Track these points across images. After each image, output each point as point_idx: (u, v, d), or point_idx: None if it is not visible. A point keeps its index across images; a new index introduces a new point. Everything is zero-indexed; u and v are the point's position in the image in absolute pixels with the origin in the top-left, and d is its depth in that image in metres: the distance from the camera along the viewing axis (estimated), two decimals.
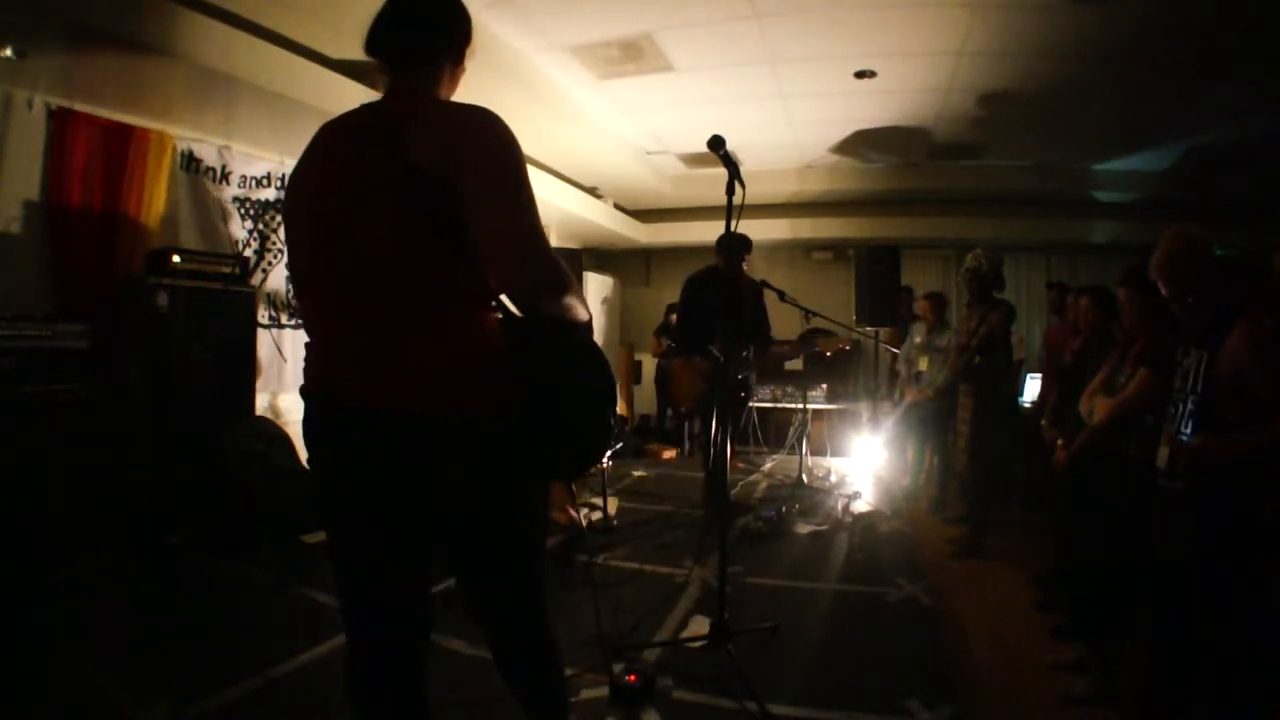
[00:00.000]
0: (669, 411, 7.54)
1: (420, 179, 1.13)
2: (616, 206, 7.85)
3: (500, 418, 1.19)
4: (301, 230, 1.30)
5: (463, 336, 1.21)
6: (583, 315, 1.27)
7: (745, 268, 4.16)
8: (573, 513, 3.58)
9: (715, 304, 3.72)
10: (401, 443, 1.18)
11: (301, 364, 1.29)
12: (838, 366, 6.97)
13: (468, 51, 1.36)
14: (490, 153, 1.17)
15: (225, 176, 4.25)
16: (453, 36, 1.33)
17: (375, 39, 1.30)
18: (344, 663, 1.31)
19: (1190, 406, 1.87)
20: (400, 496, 1.21)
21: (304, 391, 1.29)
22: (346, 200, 1.19)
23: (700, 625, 2.65)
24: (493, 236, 1.16)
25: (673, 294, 5.37)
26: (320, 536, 3.55)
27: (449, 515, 1.25)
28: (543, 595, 1.40)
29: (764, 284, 4.25)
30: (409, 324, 1.18)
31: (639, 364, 8.32)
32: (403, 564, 1.29)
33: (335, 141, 1.27)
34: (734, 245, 4.02)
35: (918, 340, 4.92)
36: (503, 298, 1.26)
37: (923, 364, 4.75)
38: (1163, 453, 1.92)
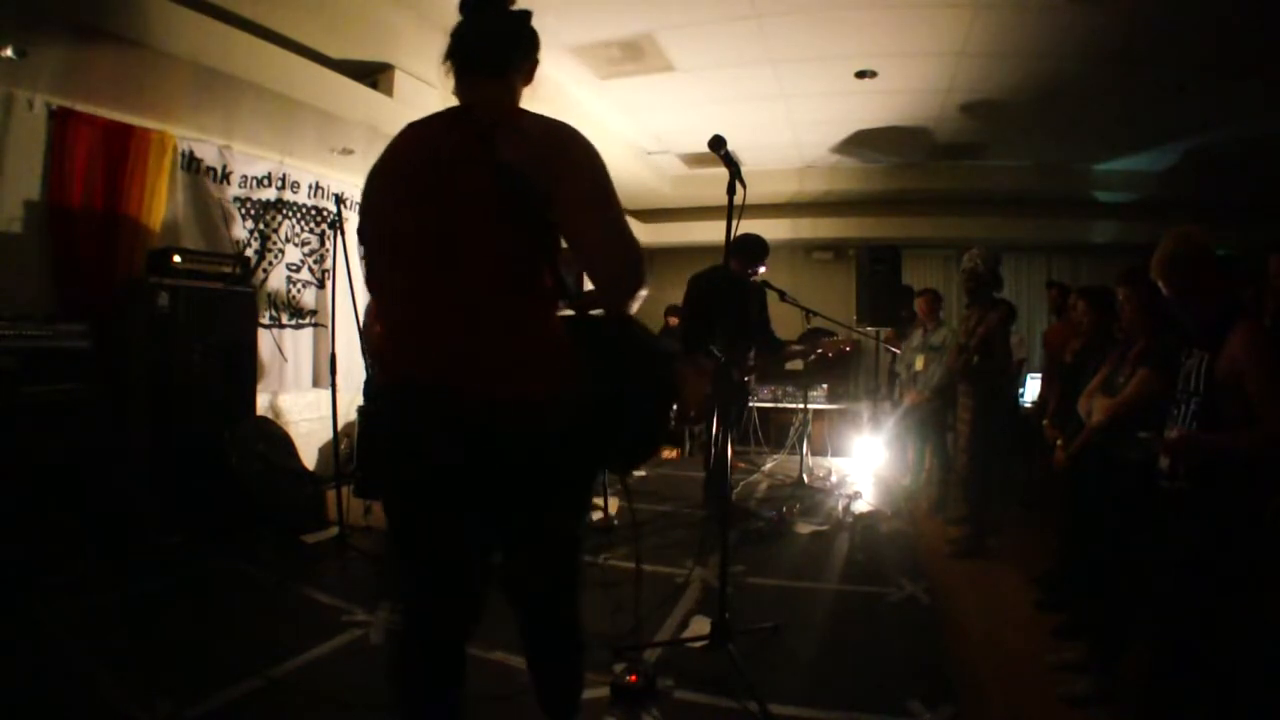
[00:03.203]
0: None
1: (512, 178, 1.21)
2: None
3: (569, 405, 1.29)
4: (387, 220, 1.36)
5: (543, 330, 1.32)
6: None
7: (758, 274, 4.13)
8: None
9: (723, 306, 3.67)
10: (488, 426, 1.26)
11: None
12: (838, 366, 6.96)
13: (535, 74, 1.49)
14: (584, 167, 1.28)
15: (226, 176, 4.24)
16: (533, 59, 1.47)
17: (466, 49, 1.38)
18: (389, 644, 1.41)
19: (1193, 407, 1.87)
20: (482, 477, 1.30)
21: (387, 379, 1.37)
22: (441, 194, 1.26)
23: (701, 625, 2.65)
24: (594, 243, 1.28)
25: (673, 295, 5.36)
26: (320, 536, 3.59)
27: (520, 492, 1.33)
28: (578, 589, 1.49)
29: (765, 284, 4.24)
30: (498, 316, 1.27)
31: None
32: (472, 546, 1.38)
33: (426, 137, 1.34)
34: (757, 251, 3.98)
35: (915, 343, 4.92)
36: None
37: (918, 363, 4.75)
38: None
